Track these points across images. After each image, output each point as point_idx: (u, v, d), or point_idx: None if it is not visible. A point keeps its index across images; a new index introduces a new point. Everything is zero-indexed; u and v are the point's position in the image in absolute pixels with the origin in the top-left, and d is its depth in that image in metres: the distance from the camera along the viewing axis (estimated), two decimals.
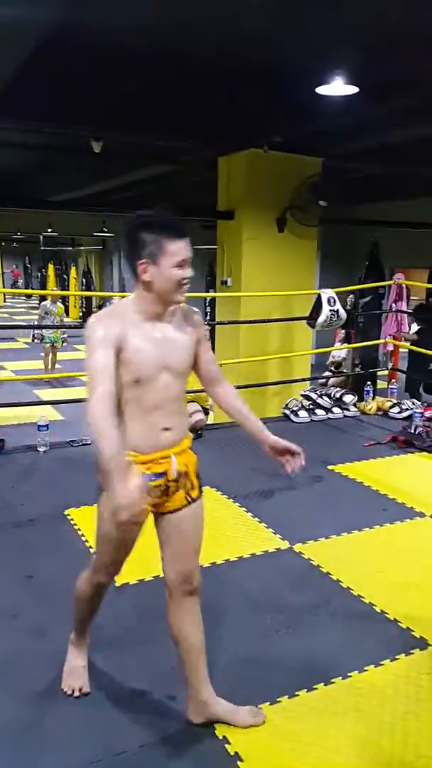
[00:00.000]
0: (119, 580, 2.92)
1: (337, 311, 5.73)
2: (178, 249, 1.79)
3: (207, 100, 4.69)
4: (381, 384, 7.22)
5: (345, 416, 6.07)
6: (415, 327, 7.56)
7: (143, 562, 3.07)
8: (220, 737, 2.00)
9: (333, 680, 2.29)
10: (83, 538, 3.36)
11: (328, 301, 5.68)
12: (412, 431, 5.28)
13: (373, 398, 6.48)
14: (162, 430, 1.87)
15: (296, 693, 2.21)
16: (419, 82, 4.11)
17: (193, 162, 6.69)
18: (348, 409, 6.16)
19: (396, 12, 3.21)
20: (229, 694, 2.10)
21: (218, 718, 2.03)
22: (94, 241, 15.49)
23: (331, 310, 5.68)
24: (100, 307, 16.11)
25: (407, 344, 7.02)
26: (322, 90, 4.34)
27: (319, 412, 6.02)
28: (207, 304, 10.21)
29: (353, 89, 4.32)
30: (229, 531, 3.52)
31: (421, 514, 3.81)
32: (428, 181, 7.97)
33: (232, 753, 1.94)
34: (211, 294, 7.73)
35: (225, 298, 6.33)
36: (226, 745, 1.97)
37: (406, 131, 5.25)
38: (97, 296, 16.54)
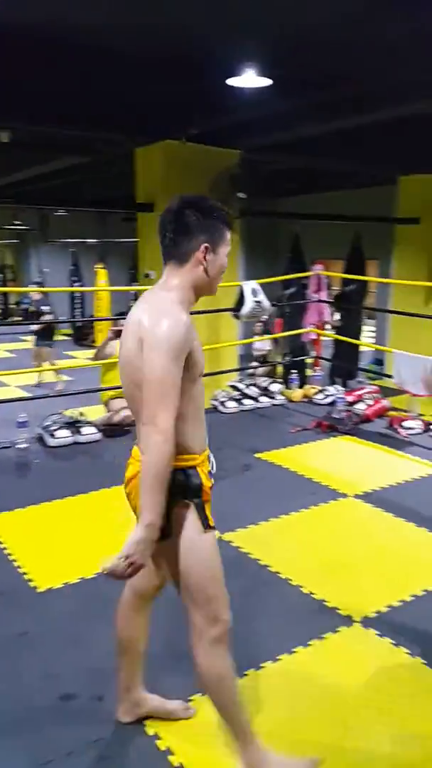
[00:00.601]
0: (43, 585, 2.86)
1: (261, 302, 5.79)
2: (230, 238, 1.73)
3: (120, 90, 4.60)
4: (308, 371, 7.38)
5: (272, 404, 6.17)
6: (337, 316, 7.77)
7: (67, 566, 3.04)
8: (151, 734, 1.99)
9: (263, 665, 2.32)
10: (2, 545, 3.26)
11: (252, 292, 5.73)
12: (336, 416, 5.44)
13: (301, 386, 6.62)
14: (203, 427, 1.77)
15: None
16: (332, 77, 4.20)
17: (109, 153, 6.56)
18: (275, 398, 6.26)
19: (307, 9, 3.25)
20: (161, 686, 2.09)
21: (150, 715, 2.01)
22: (8, 234, 14.90)
23: (255, 301, 5.73)
24: (17, 304, 15.54)
25: (329, 332, 7.20)
26: (233, 81, 4.34)
27: (247, 401, 6.09)
28: (130, 299, 10.10)
29: (267, 81, 4.35)
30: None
31: (344, 495, 3.93)
32: (344, 174, 8.19)
33: (163, 748, 1.94)
34: (135, 287, 7.63)
35: None
36: (157, 741, 1.96)
37: (320, 125, 5.34)
38: (15, 292, 15.99)
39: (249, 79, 4.31)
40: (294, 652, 2.41)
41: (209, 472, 1.74)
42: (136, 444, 1.73)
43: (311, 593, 2.83)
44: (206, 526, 1.68)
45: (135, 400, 1.66)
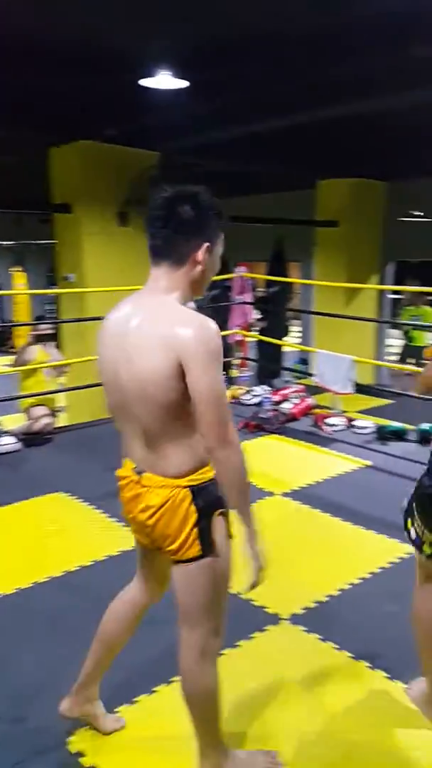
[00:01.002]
0: None
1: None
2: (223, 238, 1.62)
3: (34, 88, 4.46)
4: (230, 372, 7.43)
5: None
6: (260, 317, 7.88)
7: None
8: (74, 752, 1.91)
9: None
10: None
11: None
12: (263, 416, 5.48)
13: (228, 387, 6.65)
14: None
15: (153, 690, 2.18)
16: (249, 81, 4.24)
17: (24, 152, 6.36)
18: None
19: (225, 12, 3.26)
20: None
21: (89, 718, 1.97)
22: None
23: None
24: None
25: (255, 334, 7.28)
26: (149, 83, 4.30)
27: None
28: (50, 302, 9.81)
29: (183, 83, 4.34)
30: (83, 536, 3.40)
31: (271, 494, 3.97)
32: (266, 177, 8.31)
33: (87, 766, 1.86)
34: (55, 290, 7.43)
35: (69, 295, 6.11)
36: (81, 759, 1.88)
37: (238, 128, 5.38)
38: None
39: (165, 80, 4.28)
40: (222, 654, 2.38)
41: None
42: (140, 469, 1.60)
43: (238, 593, 2.80)
44: (230, 535, 1.66)
45: (133, 417, 1.55)
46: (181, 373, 1.44)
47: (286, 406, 5.75)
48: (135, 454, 1.62)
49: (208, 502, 1.57)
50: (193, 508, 1.55)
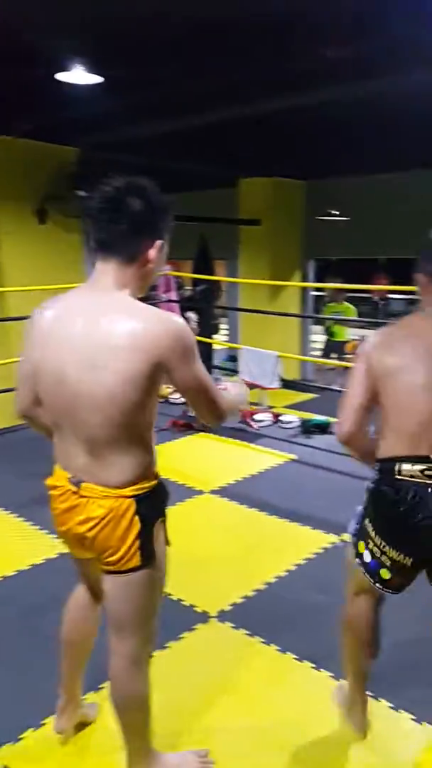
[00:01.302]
0: None
1: None
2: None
3: None
4: None
5: None
6: (190, 315, 7.87)
7: None
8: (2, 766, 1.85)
9: None
10: None
11: None
12: (191, 414, 5.49)
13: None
14: None
15: (83, 698, 2.14)
16: (165, 77, 4.21)
17: None
18: None
19: (136, 6, 3.21)
20: (26, 708, 1.95)
21: (83, 718, 2.00)
22: None
23: None
24: None
25: None
26: (63, 77, 4.20)
27: None
28: None
29: (97, 78, 4.26)
30: (4, 545, 3.29)
31: (200, 492, 3.98)
32: (188, 175, 8.31)
33: None
34: None
35: None
36: None
37: (157, 124, 5.35)
38: None
39: (79, 75, 4.20)
40: (151, 656, 2.37)
41: None
42: (78, 479, 1.52)
43: (168, 594, 2.80)
44: (167, 542, 1.63)
45: (79, 422, 1.46)
46: (155, 373, 1.41)
47: None
48: (74, 463, 1.52)
49: (151, 512, 1.53)
50: (136, 518, 1.50)
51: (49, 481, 1.61)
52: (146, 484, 1.52)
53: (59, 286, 5.75)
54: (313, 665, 2.33)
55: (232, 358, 9.00)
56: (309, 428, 5.13)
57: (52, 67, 4.06)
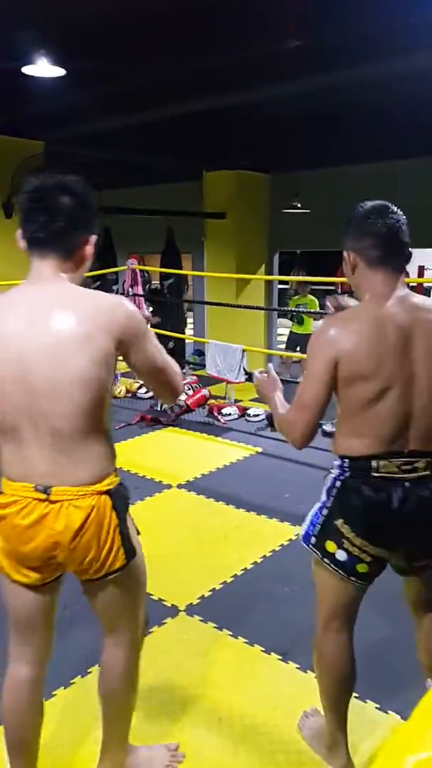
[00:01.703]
0: None
1: None
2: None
3: None
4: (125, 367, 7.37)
5: None
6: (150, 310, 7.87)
7: None
8: None
9: (89, 670, 2.28)
10: None
11: None
12: (158, 408, 5.52)
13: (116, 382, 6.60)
14: None
15: (53, 693, 2.17)
16: (127, 70, 4.19)
17: None
18: None
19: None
20: None
21: None
22: None
23: None
24: None
25: (150, 328, 7.25)
26: (28, 70, 4.14)
27: None
28: None
29: (60, 71, 4.21)
30: None
31: (168, 486, 4.02)
32: (154, 169, 8.26)
33: None
34: None
35: None
36: None
37: (120, 118, 5.32)
38: None
39: (43, 68, 4.14)
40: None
41: None
42: (45, 485, 1.42)
43: None
44: (138, 531, 1.62)
45: (41, 420, 1.40)
46: (118, 350, 1.45)
47: (180, 398, 5.81)
48: (37, 470, 1.43)
49: (122, 504, 1.51)
50: (114, 514, 1.47)
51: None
52: (115, 478, 1.51)
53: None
54: (280, 657, 2.38)
55: (200, 352, 9.04)
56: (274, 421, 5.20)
57: (20, 60, 4.00)
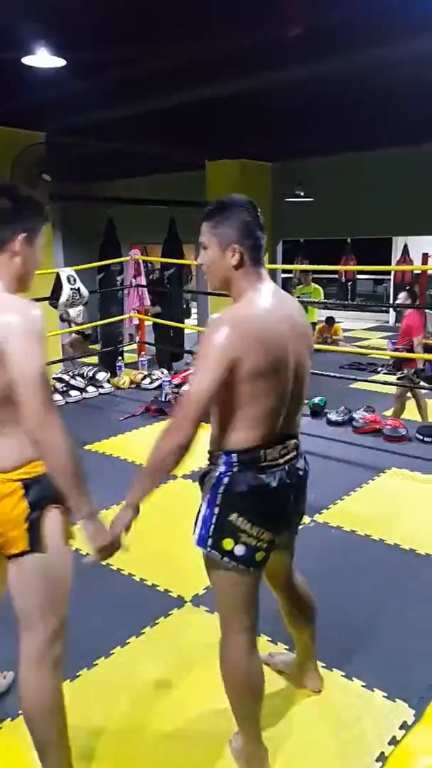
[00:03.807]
0: None
1: (79, 289, 5.66)
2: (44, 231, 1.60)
3: None
4: (130, 357, 7.37)
5: (100, 394, 6.09)
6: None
7: None
8: None
9: (96, 662, 2.30)
10: None
11: (68, 279, 5.57)
12: (163, 399, 5.52)
13: (114, 373, 6.59)
14: None
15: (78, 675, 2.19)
16: (127, 59, 4.16)
17: None
18: (102, 387, 6.19)
19: None
20: None
21: None
22: None
23: (72, 289, 5.59)
24: None
25: (151, 318, 7.26)
26: (28, 60, 4.12)
27: (74, 392, 5.95)
28: None
29: (60, 62, 4.19)
30: None
31: (174, 477, 4.02)
32: (156, 158, 8.22)
33: None
34: None
35: None
36: None
37: (121, 107, 5.29)
38: None
39: (43, 58, 4.11)
40: (127, 643, 2.43)
41: None
42: None
43: (143, 579, 2.87)
44: (68, 535, 1.63)
45: None
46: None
47: (185, 389, 5.80)
48: None
49: (41, 495, 1.56)
50: (24, 502, 1.53)
51: None
52: (35, 469, 1.55)
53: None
54: (287, 647, 2.39)
55: None
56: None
57: (20, 50, 3.98)
